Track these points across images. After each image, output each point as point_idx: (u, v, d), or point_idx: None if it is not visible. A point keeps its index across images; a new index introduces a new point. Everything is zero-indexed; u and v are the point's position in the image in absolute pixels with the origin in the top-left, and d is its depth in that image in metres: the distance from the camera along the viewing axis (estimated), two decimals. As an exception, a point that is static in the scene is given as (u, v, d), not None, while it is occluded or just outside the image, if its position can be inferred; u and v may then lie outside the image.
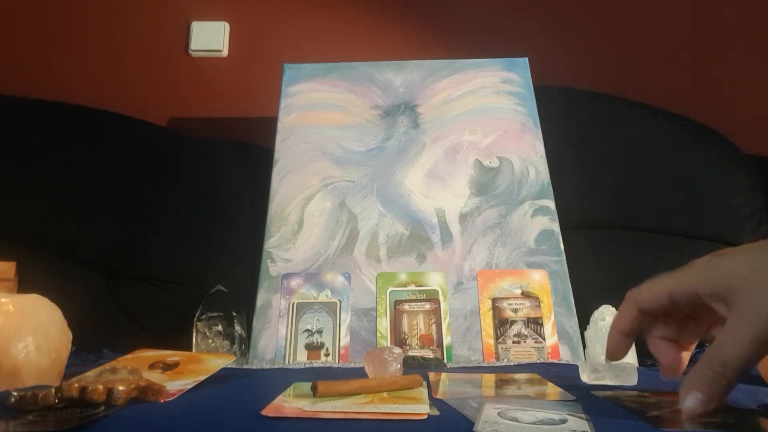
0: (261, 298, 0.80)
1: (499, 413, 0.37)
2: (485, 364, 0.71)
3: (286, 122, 0.95)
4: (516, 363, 0.71)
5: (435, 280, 0.80)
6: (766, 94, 1.31)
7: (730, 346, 0.33)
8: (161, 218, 1.09)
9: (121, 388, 0.40)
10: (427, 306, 0.78)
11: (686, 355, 0.41)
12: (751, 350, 0.33)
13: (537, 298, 0.78)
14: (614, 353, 0.42)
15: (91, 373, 0.46)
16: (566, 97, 1.19)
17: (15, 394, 0.40)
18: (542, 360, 0.73)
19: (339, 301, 0.79)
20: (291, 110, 0.96)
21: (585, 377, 0.54)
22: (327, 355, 0.75)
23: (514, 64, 1.00)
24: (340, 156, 0.91)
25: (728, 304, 0.34)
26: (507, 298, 0.78)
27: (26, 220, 1.06)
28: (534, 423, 0.35)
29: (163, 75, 1.34)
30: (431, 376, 0.55)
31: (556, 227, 0.84)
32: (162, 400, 0.42)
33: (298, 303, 0.78)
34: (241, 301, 0.88)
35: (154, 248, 1.08)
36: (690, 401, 0.34)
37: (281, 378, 0.55)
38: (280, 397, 0.43)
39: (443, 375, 0.57)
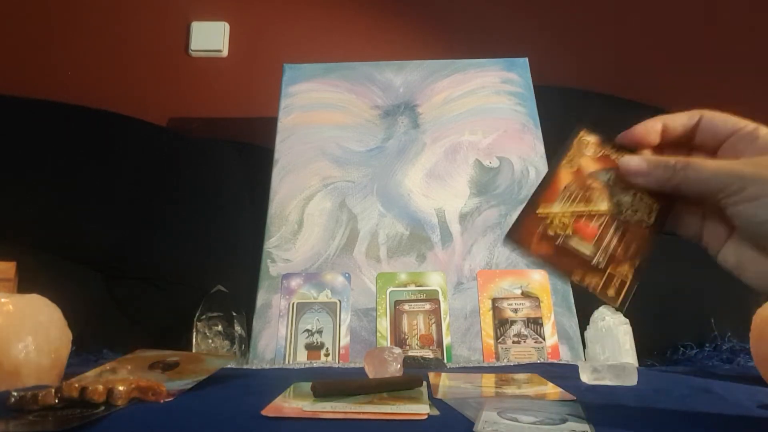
0: (261, 298, 0.80)
1: (499, 413, 0.37)
2: (485, 364, 0.71)
3: (286, 122, 0.95)
4: (516, 363, 0.71)
5: (435, 280, 0.80)
6: (767, 95, 1.31)
7: (709, 164, 0.35)
8: (161, 218, 1.09)
9: (121, 388, 0.40)
10: (427, 306, 0.78)
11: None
12: (717, 178, 0.34)
13: (537, 298, 0.78)
14: (638, 132, 0.39)
15: (91, 373, 0.46)
16: (566, 97, 1.18)
17: (15, 394, 0.40)
18: (542, 360, 0.73)
19: (339, 301, 0.79)
20: (291, 110, 0.96)
21: (585, 377, 0.54)
22: (327, 355, 0.75)
23: (514, 64, 1.00)
24: (340, 156, 0.91)
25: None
26: (507, 298, 0.78)
27: (26, 220, 1.06)
28: (534, 423, 0.35)
29: (163, 75, 1.34)
30: (431, 376, 0.55)
31: (556, 227, 0.84)
32: (162, 400, 0.42)
33: (298, 303, 0.78)
34: (241, 301, 0.88)
35: (154, 248, 1.08)
36: (634, 163, 0.37)
37: (281, 378, 0.55)
38: (280, 397, 0.43)
39: (443, 375, 0.57)
